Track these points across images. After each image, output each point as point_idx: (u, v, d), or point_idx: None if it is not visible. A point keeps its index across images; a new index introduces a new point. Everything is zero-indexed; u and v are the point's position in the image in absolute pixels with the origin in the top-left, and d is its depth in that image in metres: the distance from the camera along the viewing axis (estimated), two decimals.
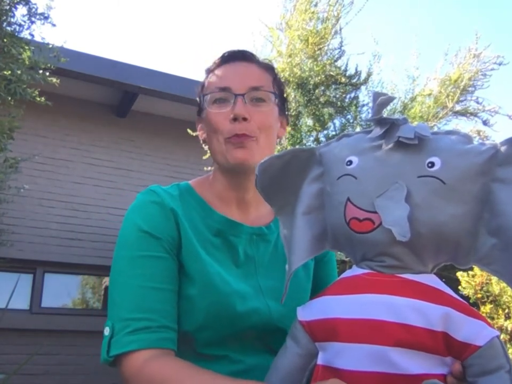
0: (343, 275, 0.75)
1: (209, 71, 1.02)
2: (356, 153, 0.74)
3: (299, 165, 0.81)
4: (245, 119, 0.93)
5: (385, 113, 0.74)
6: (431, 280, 0.68)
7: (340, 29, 4.63)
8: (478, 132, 5.02)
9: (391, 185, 0.67)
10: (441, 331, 0.63)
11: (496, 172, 0.67)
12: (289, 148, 4.53)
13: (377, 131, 0.73)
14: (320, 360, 0.70)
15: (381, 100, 0.72)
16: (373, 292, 0.67)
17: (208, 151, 1.04)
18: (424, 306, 0.64)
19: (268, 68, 1.03)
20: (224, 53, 1.02)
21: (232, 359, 0.90)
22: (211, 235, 0.95)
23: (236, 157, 0.93)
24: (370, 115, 0.75)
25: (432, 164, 0.67)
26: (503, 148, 0.67)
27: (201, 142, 1.06)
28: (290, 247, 0.79)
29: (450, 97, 4.71)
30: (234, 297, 0.90)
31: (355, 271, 0.72)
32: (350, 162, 0.73)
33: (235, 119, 0.93)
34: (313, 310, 0.72)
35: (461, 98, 4.79)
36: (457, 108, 4.84)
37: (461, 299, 0.67)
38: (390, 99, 0.73)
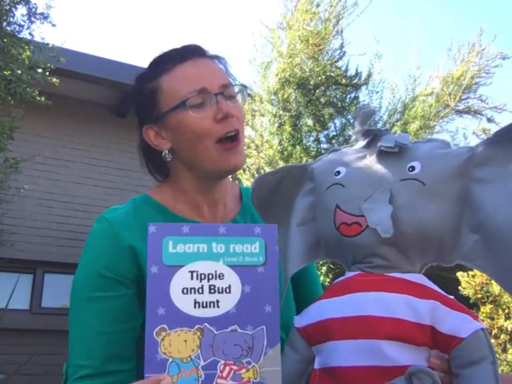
0: (336, 280, 0.78)
1: (164, 71, 0.94)
2: (343, 164, 0.79)
3: (292, 181, 0.86)
4: (232, 116, 0.91)
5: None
6: (419, 278, 0.72)
7: (341, 30, 4.63)
8: (484, 130, 5.00)
9: (376, 189, 0.72)
10: (428, 325, 0.66)
11: (473, 173, 0.72)
12: (289, 148, 4.50)
13: (362, 142, 0.80)
14: (316, 364, 0.73)
15: (364, 113, 0.80)
16: (363, 291, 0.70)
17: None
18: (412, 301, 0.67)
19: (221, 59, 0.99)
20: (177, 50, 0.95)
21: None
22: None
23: (232, 164, 0.92)
24: (355, 128, 0.82)
25: (412, 168, 0.72)
26: (478, 150, 0.72)
27: (164, 154, 0.95)
28: (285, 256, 0.83)
29: (452, 96, 4.70)
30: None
31: (347, 275, 0.76)
32: (338, 172, 0.78)
33: (224, 118, 0.90)
34: (309, 315, 0.76)
35: (463, 97, 4.78)
36: (460, 106, 4.83)
37: (447, 295, 0.70)
38: (372, 112, 0.81)
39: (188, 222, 0.93)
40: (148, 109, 0.95)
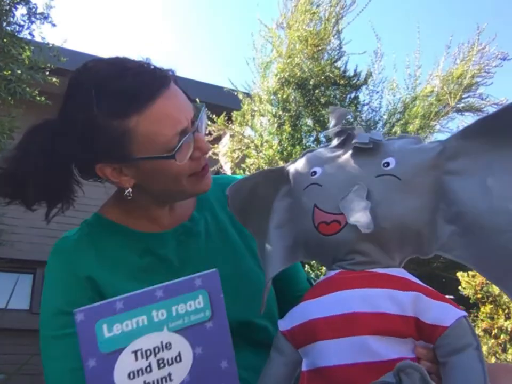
0: (318, 280, 0.79)
1: (134, 112, 0.79)
2: (319, 164, 0.80)
3: (269, 184, 0.87)
4: (207, 151, 0.88)
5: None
6: (399, 272, 0.73)
7: (341, 30, 4.62)
8: None
9: (353, 187, 0.73)
10: (412, 316, 0.66)
11: (446, 166, 0.74)
12: (289, 148, 4.48)
13: (336, 141, 0.81)
14: (304, 366, 0.72)
15: (337, 114, 0.82)
16: (346, 288, 0.71)
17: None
18: (395, 294, 0.68)
19: (173, 76, 0.88)
20: (144, 82, 0.81)
21: None
22: (138, 258, 0.90)
23: (204, 189, 0.90)
24: (329, 129, 0.83)
25: (387, 164, 0.74)
26: (450, 144, 0.74)
27: (126, 192, 0.87)
28: (265, 258, 0.84)
29: (452, 95, 4.69)
30: None
31: (328, 274, 0.76)
32: (314, 172, 0.79)
33: (202, 155, 0.87)
34: (292, 318, 0.76)
35: (463, 96, 4.77)
36: (461, 105, 4.82)
37: (428, 286, 0.71)
38: (346, 112, 0.84)
39: (142, 235, 0.92)
40: (110, 149, 0.82)
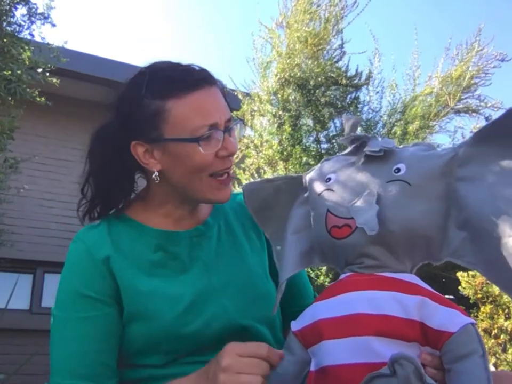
0: (331, 283, 0.82)
1: (174, 95, 0.88)
2: (333, 171, 0.84)
3: (290, 191, 0.92)
4: (233, 154, 0.92)
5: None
6: (409, 277, 0.74)
7: (341, 30, 4.62)
8: None
9: (364, 192, 0.75)
10: (417, 320, 0.67)
11: (457, 172, 0.75)
12: (289, 148, 4.47)
13: (350, 148, 0.85)
14: (312, 366, 0.74)
15: (352, 122, 0.86)
16: (353, 290, 0.72)
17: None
18: (400, 297, 0.69)
19: (221, 86, 0.96)
20: (191, 74, 0.90)
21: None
22: (151, 252, 0.93)
23: (222, 198, 0.93)
24: (344, 137, 0.86)
25: (398, 170, 0.76)
26: (461, 150, 0.76)
27: (154, 176, 0.92)
28: (281, 262, 0.88)
29: (451, 96, 4.70)
30: (185, 316, 0.88)
31: (340, 277, 0.79)
32: (329, 179, 0.83)
33: (228, 156, 0.91)
34: (303, 319, 0.78)
35: (462, 97, 4.77)
36: (460, 106, 4.82)
37: (437, 293, 0.71)
38: (359, 121, 0.87)
39: (155, 231, 0.95)
40: (145, 127, 0.90)
